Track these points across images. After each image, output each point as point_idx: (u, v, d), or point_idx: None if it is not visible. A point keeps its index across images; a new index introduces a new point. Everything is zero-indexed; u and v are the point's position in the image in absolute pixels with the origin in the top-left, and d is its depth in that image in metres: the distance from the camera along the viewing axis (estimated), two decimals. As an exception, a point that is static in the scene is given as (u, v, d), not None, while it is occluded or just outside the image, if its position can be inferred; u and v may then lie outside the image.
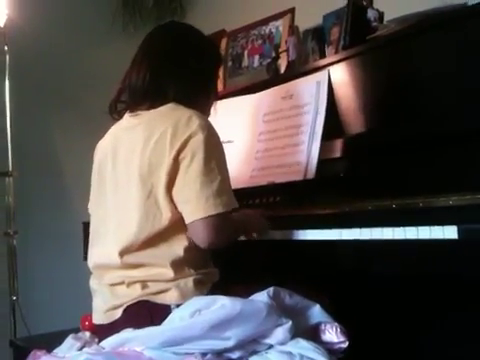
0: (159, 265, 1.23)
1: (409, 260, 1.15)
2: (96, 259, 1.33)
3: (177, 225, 1.24)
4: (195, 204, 1.21)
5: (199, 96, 1.39)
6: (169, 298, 1.21)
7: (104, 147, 1.39)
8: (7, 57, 2.44)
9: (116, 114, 1.41)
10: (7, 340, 1.95)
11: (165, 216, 1.23)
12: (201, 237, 1.22)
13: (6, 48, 2.44)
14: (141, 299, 1.23)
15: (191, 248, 1.25)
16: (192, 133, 1.22)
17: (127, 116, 1.38)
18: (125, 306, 1.24)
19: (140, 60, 1.36)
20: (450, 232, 1.06)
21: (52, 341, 1.35)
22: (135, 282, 1.24)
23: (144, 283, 1.23)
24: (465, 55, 1.41)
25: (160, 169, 1.23)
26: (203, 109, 1.38)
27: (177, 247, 1.24)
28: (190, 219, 1.22)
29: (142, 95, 1.33)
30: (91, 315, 1.35)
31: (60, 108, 2.88)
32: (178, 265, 1.23)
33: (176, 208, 1.24)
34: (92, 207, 1.43)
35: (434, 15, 1.50)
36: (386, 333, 1.46)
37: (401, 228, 1.15)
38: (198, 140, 1.22)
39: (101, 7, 2.95)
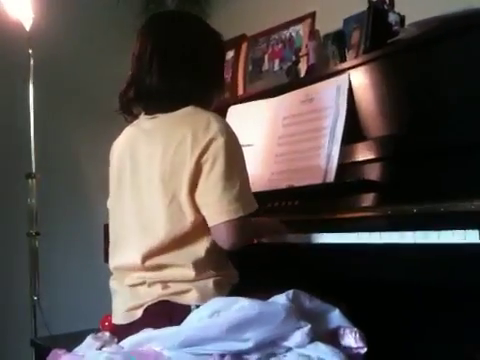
0: (181, 266, 1.25)
1: (430, 264, 1.14)
2: (118, 262, 1.34)
3: (199, 227, 1.26)
4: (217, 208, 1.23)
5: (214, 93, 1.40)
6: (189, 298, 1.23)
7: (121, 151, 1.38)
8: (32, 61, 2.48)
9: (128, 114, 1.38)
10: (28, 339, 1.98)
11: (189, 219, 1.25)
12: (224, 239, 1.26)
13: (31, 51, 2.48)
14: (162, 299, 1.24)
15: (212, 249, 1.27)
16: (212, 137, 1.23)
17: (143, 117, 1.36)
18: (146, 306, 1.26)
19: (149, 58, 1.31)
20: (472, 236, 1.05)
21: (72, 341, 1.36)
22: (156, 282, 1.26)
23: (165, 284, 1.25)
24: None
25: (182, 173, 1.24)
26: (214, 104, 1.39)
27: (199, 248, 1.26)
28: (213, 222, 1.25)
29: (157, 96, 1.32)
30: (111, 315, 1.36)
31: (83, 111, 2.92)
32: (200, 265, 1.25)
33: (198, 211, 1.26)
34: (111, 207, 1.41)
35: (457, 19, 1.48)
36: (401, 337, 1.44)
37: (422, 232, 1.14)
38: (218, 144, 1.23)
39: (123, 12, 2.97)
